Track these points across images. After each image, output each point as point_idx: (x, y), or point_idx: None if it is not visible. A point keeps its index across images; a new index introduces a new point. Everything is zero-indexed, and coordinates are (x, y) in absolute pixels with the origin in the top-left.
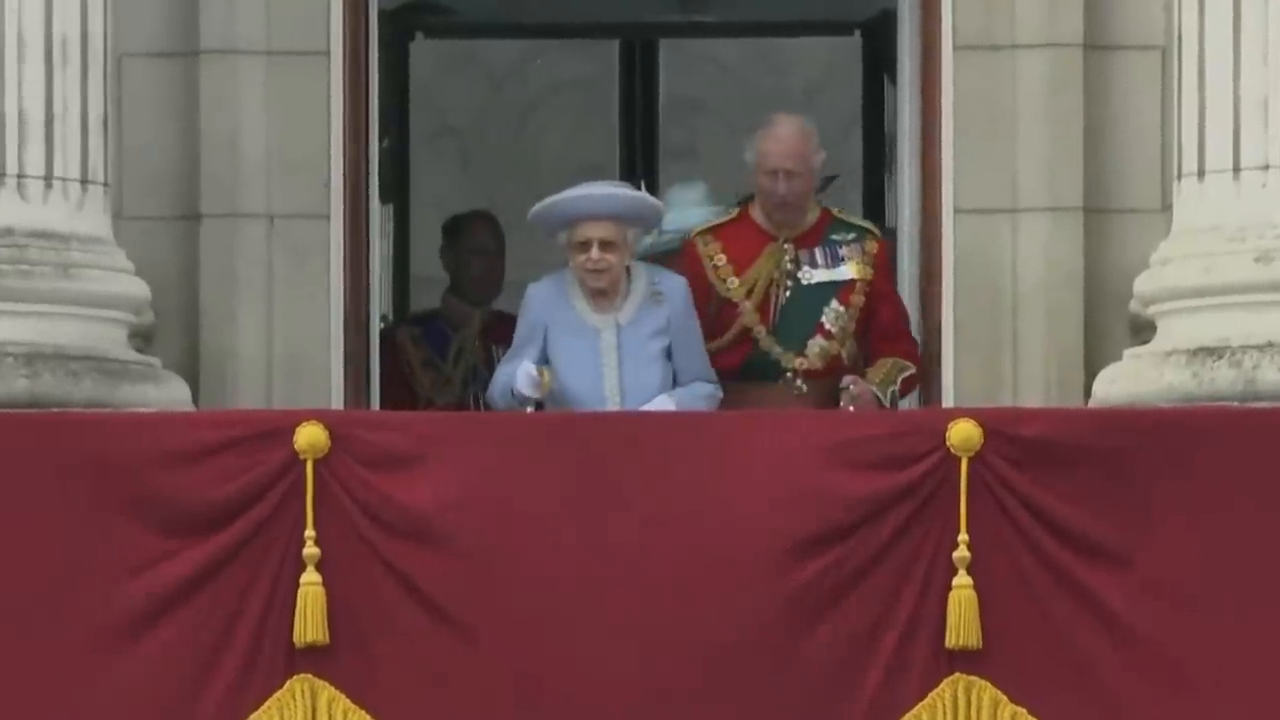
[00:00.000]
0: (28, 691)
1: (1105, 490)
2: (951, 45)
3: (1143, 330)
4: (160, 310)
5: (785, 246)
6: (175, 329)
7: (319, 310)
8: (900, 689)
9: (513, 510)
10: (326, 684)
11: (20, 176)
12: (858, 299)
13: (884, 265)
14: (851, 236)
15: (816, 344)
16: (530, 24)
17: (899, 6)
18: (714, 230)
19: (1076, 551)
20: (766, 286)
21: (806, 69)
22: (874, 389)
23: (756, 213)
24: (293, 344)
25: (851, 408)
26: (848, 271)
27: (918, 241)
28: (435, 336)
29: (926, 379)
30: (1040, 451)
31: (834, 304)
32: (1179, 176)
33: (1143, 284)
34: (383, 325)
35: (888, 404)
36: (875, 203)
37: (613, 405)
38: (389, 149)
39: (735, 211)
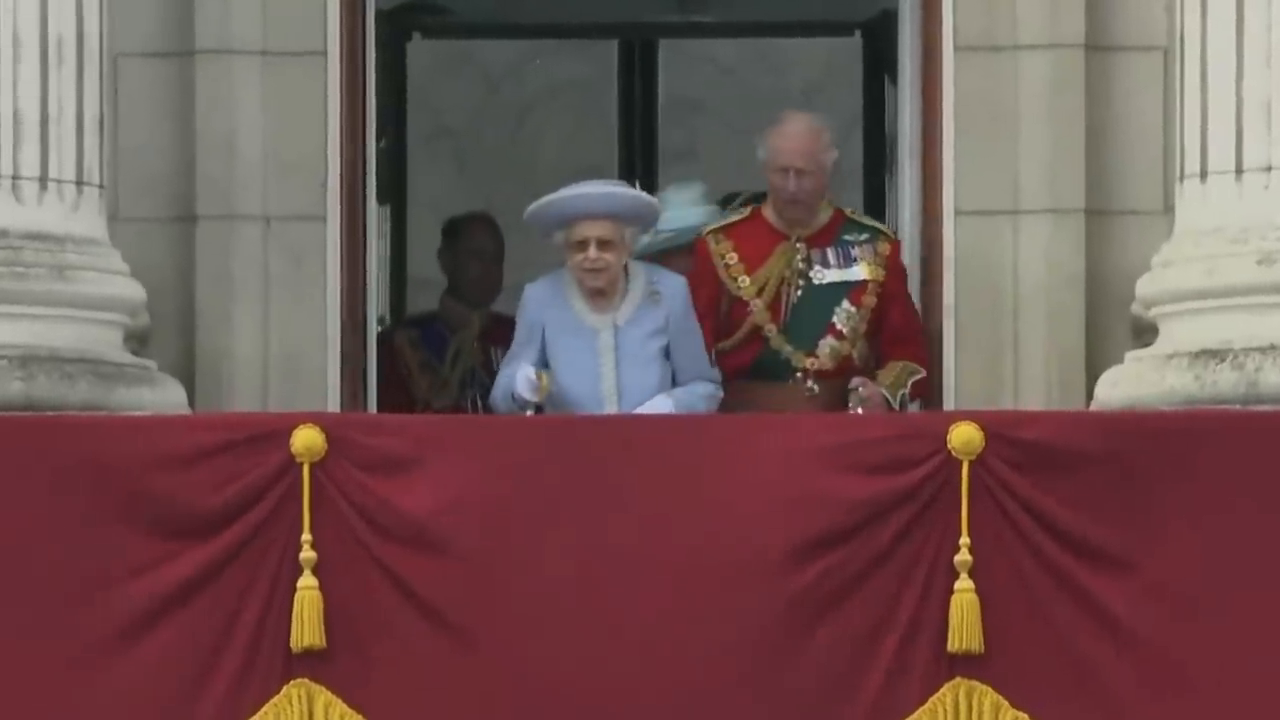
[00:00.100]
0: (25, 695)
1: (1107, 494)
2: (952, 46)
3: (1144, 333)
4: (156, 312)
5: (797, 246)
6: (171, 331)
7: (315, 312)
8: (901, 692)
9: (511, 514)
10: (323, 688)
11: (15, 178)
12: (869, 300)
13: (896, 267)
14: (864, 237)
15: (827, 344)
16: (528, 24)
17: (899, 7)
18: (726, 229)
19: (1078, 555)
20: (778, 285)
21: (806, 69)
22: (883, 391)
23: (769, 212)
24: (289, 346)
25: (860, 409)
26: (860, 272)
27: (918, 243)
28: (433, 339)
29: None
30: (1042, 455)
31: (845, 304)
32: (1181, 178)
33: (1144, 286)
34: (380, 328)
35: (897, 407)
36: (876, 204)
37: (610, 405)
38: (386, 150)
39: (747, 211)
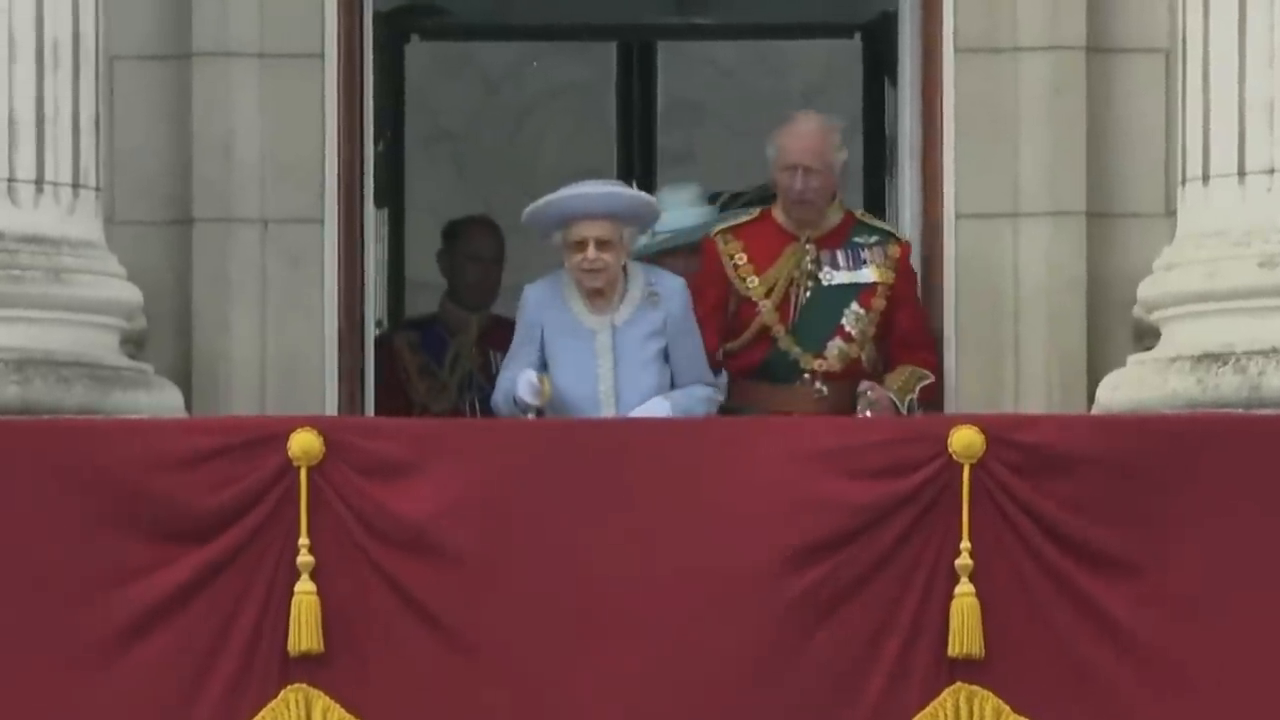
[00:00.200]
0: (21, 699)
1: (1108, 497)
2: (953, 48)
3: (1146, 336)
4: (152, 315)
5: (807, 247)
6: (168, 334)
7: (313, 315)
8: (902, 696)
9: (510, 518)
10: (321, 693)
11: (10, 180)
12: (879, 302)
13: (906, 270)
14: (875, 239)
15: (836, 346)
16: (527, 26)
17: (899, 8)
18: (735, 229)
19: (1079, 559)
20: (787, 286)
21: (806, 71)
22: (891, 395)
23: (778, 213)
24: (286, 349)
25: (869, 413)
26: (869, 274)
27: (918, 245)
28: (432, 342)
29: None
30: (1042, 458)
31: (854, 306)
32: (1183, 181)
33: (1146, 289)
34: (379, 331)
35: (905, 412)
36: (875, 206)
37: (607, 406)
38: (384, 152)
39: (756, 211)
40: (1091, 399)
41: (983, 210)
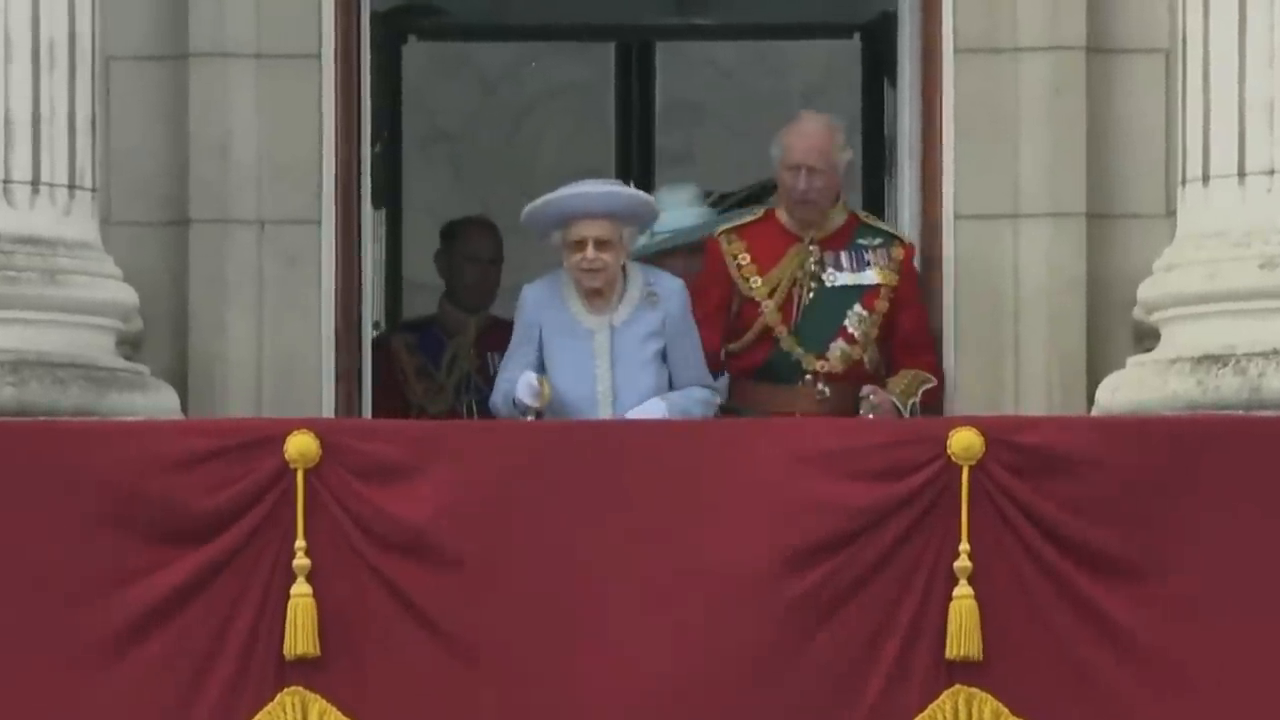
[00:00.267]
0: (18, 701)
1: (1108, 499)
2: (952, 48)
3: (1146, 337)
4: (149, 317)
5: (811, 248)
6: (164, 336)
7: (310, 317)
8: (901, 699)
9: (508, 521)
10: (317, 697)
11: (6, 181)
12: (882, 305)
13: (910, 272)
14: (878, 241)
15: (838, 347)
16: (525, 26)
17: (899, 9)
18: (738, 229)
19: (1079, 561)
20: (790, 287)
21: (805, 72)
22: (894, 400)
23: (782, 213)
24: (283, 351)
25: (871, 417)
26: (873, 276)
27: (918, 246)
28: (430, 343)
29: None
30: (1042, 460)
31: (857, 308)
32: (1183, 181)
33: (1146, 290)
34: (376, 332)
35: (907, 416)
36: (875, 207)
37: (604, 407)
38: (381, 153)
39: (760, 211)
40: (1091, 400)
41: (982, 211)
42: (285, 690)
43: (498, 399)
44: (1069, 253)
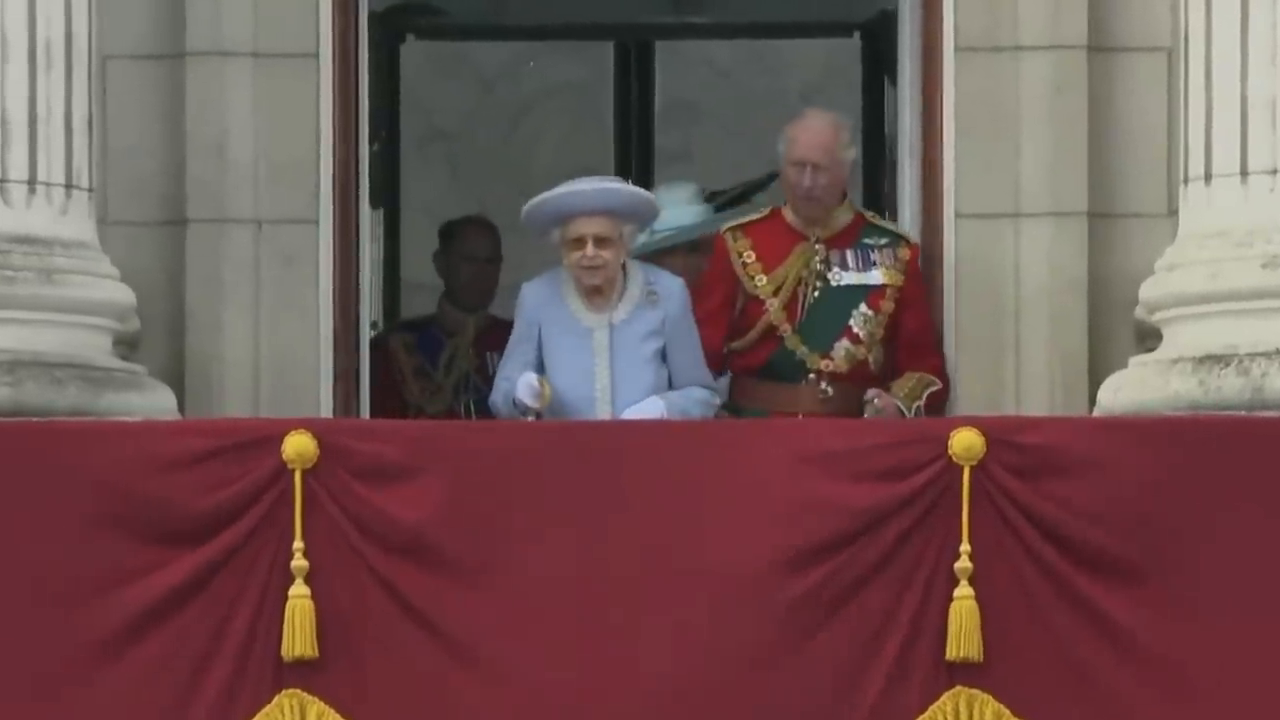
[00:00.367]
0: (13, 703)
1: (1109, 500)
2: (953, 47)
3: (1148, 337)
4: (146, 317)
5: (816, 247)
6: (161, 336)
7: (308, 317)
8: (902, 699)
9: (507, 521)
10: (315, 699)
11: (2, 181)
12: (887, 305)
13: (916, 273)
14: (884, 241)
15: (843, 347)
16: (522, 26)
17: (899, 7)
18: (744, 227)
19: (1079, 561)
20: (795, 285)
21: (804, 71)
22: (899, 403)
23: (788, 211)
24: (281, 351)
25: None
26: (878, 276)
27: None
28: (429, 343)
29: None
30: (1043, 460)
31: (863, 307)
32: (1185, 180)
33: (1148, 290)
34: (374, 332)
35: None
36: (875, 207)
37: (602, 406)
38: (379, 152)
39: (767, 210)
40: (1093, 400)
41: (983, 210)
42: (283, 692)
43: (497, 398)
44: (1070, 252)
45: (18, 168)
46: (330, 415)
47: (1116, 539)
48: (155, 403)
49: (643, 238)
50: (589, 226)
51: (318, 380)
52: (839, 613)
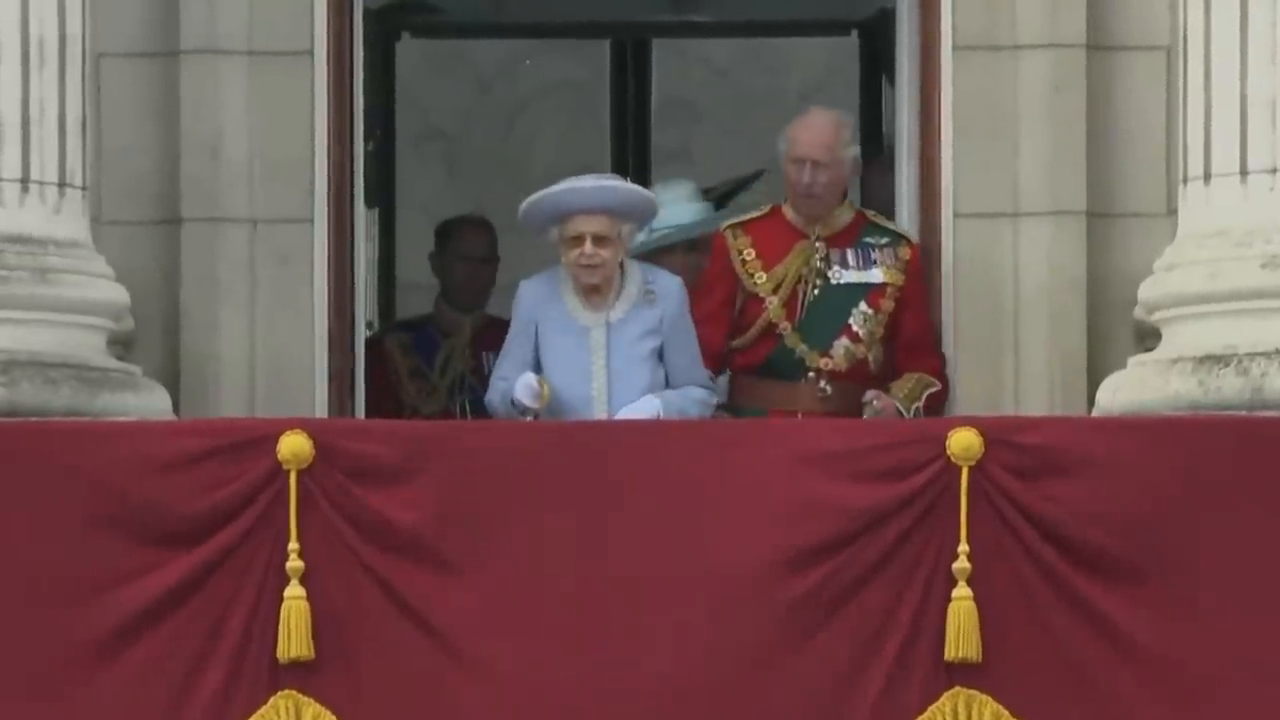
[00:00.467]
0: (8, 704)
1: (1108, 500)
2: (951, 45)
3: (1147, 337)
4: (140, 316)
5: (817, 245)
6: (156, 335)
7: (303, 316)
8: (901, 699)
9: (504, 521)
10: (311, 700)
11: None
12: (888, 304)
13: (916, 272)
14: (885, 240)
15: (842, 345)
16: (519, 24)
17: (898, 6)
18: (744, 224)
19: (1078, 562)
20: (795, 283)
21: (802, 70)
22: (898, 404)
23: (788, 209)
24: (276, 351)
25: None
26: (879, 275)
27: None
28: (425, 343)
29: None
30: (1042, 461)
31: (863, 306)
32: (1184, 180)
33: (1147, 290)
34: (369, 332)
35: None
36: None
37: (599, 404)
38: (374, 151)
39: (767, 207)
40: (1092, 400)
41: (982, 210)
42: (279, 694)
43: (494, 397)
44: (1069, 252)
45: (11, 167)
46: (325, 415)
47: (1116, 539)
48: (150, 403)
49: (641, 236)
50: (587, 225)
51: (313, 380)
52: (838, 613)
